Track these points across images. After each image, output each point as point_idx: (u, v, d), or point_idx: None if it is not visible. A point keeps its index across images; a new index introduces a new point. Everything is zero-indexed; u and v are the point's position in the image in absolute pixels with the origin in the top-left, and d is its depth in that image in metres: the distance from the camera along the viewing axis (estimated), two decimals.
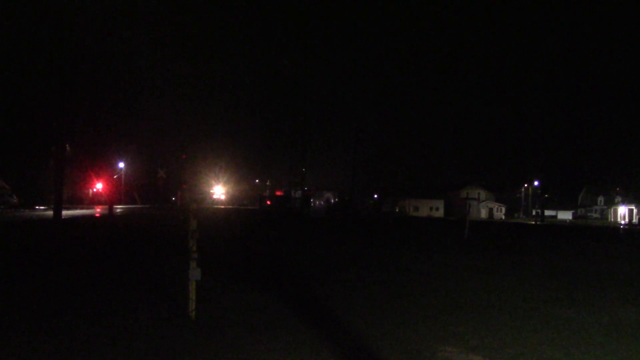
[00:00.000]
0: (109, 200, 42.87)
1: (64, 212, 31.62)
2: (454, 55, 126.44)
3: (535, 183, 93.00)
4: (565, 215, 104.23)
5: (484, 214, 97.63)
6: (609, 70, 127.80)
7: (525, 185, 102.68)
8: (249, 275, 11.12)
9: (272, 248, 17.39)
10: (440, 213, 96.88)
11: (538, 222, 71.64)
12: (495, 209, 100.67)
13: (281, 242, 19.78)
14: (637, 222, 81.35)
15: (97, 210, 44.65)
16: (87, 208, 51.69)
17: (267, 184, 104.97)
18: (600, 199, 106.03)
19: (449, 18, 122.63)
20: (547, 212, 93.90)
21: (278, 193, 76.15)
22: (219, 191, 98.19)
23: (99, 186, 65.14)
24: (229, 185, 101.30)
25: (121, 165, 68.72)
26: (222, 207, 72.13)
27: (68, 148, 32.54)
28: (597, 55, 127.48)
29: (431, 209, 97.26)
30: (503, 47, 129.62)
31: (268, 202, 74.09)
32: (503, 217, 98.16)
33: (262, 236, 22.64)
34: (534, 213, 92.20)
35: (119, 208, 49.72)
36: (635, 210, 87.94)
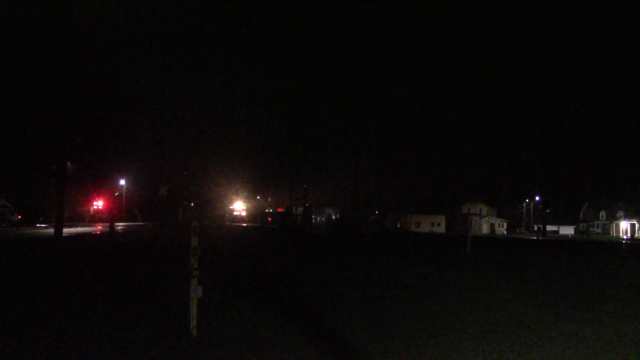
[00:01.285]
0: (109, 218, 42.81)
1: (65, 230, 31.57)
2: (454, 69, 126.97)
3: (537, 198, 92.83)
4: (567, 230, 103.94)
5: (485, 229, 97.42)
6: (611, 84, 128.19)
7: (527, 200, 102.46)
8: (250, 291, 11.07)
9: (273, 264, 17.32)
10: (441, 229, 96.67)
11: (540, 237, 71.39)
12: (497, 225, 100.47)
13: (282, 258, 19.71)
14: (639, 237, 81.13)
15: (98, 228, 44.60)
16: (88, 226, 51.64)
17: (268, 200, 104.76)
18: (602, 213, 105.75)
19: (448, 30, 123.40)
20: (549, 227, 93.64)
21: (279, 209, 76.00)
22: (240, 207, 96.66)
23: (99, 204, 65.16)
24: (249, 201, 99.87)
25: (122, 182, 68.80)
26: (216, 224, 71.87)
27: (69, 166, 32.51)
28: (598, 69, 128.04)
29: (433, 224, 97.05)
30: (503, 60, 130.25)
31: (269, 219, 73.95)
32: (505, 232, 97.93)
33: (264, 252, 22.56)
34: (535, 228, 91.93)
35: (120, 225, 49.64)
36: (637, 225, 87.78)
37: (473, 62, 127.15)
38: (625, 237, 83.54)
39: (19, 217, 52.66)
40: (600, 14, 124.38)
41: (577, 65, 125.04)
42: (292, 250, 24.71)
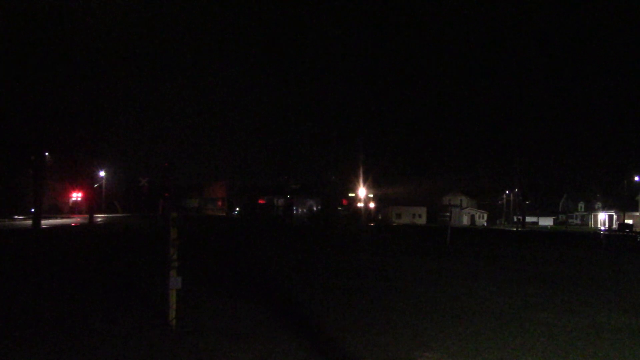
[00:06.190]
0: (89, 210, 42.42)
1: (43, 222, 31.20)
2: (437, 62, 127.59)
3: (517, 190, 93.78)
4: (547, 222, 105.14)
5: (466, 220, 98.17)
6: (590, 76, 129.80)
7: (507, 191, 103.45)
8: (230, 282, 11.03)
9: (253, 255, 17.28)
10: (422, 220, 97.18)
11: (519, 229, 72.25)
12: (477, 216, 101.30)
13: (262, 249, 19.67)
14: (616, 228, 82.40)
15: (77, 220, 44.15)
16: (67, 217, 51.08)
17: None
18: (581, 205, 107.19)
19: (433, 24, 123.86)
20: (529, 219, 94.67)
21: (261, 201, 75.80)
22: (362, 193, 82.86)
23: (78, 195, 64.36)
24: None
25: (102, 173, 67.98)
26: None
27: (47, 156, 32.05)
28: (578, 62, 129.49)
29: (414, 215, 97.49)
30: (486, 54, 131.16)
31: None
32: (485, 223, 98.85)
33: (245, 243, 22.50)
34: (515, 219, 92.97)
35: (99, 217, 49.13)
36: (615, 217, 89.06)
37: (457, 57, 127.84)
38: (603, 228, 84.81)
39: None
40: (584, 10, 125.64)
41: (557, 60, 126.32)
42: (271, 241, 24.66)
